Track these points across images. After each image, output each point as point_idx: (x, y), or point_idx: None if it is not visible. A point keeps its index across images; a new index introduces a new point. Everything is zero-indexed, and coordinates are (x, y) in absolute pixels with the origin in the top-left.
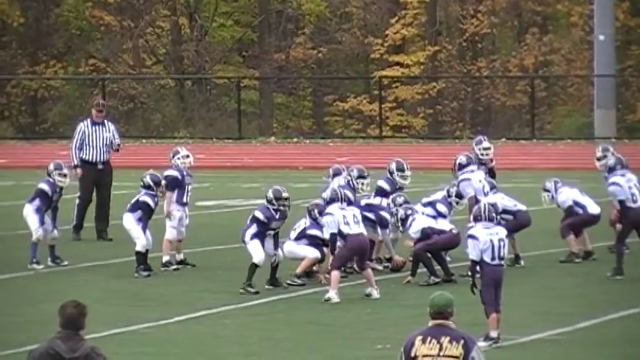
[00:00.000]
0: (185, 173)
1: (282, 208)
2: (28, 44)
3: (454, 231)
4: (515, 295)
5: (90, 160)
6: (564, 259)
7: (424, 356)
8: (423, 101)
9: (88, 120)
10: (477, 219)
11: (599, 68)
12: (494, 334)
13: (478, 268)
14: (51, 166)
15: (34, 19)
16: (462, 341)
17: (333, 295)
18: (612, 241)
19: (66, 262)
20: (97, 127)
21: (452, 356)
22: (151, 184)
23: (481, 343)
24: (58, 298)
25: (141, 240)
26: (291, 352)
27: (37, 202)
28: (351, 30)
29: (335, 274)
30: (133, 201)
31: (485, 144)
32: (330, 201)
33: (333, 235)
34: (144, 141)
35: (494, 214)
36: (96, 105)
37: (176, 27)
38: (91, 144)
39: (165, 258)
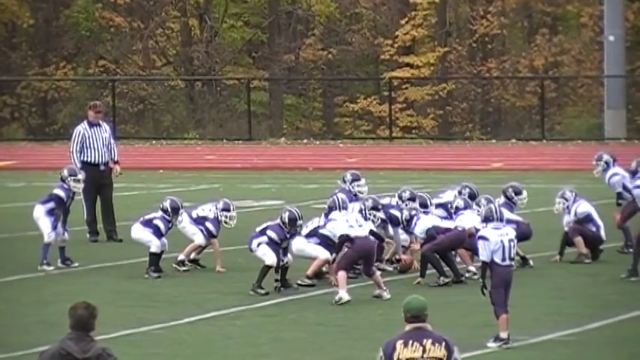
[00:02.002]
0: None
1: (294, 231)
2: (38, 45)
3: (459, 228)
4: (526, 296)
5: (92, 161)
6: (574, 260)
7: (407, 359)
8: (433, 102)
9: (85, 122)
10: (487, 219)
11: (609, 69)
12: (504, 334)
13: (488, 269)
14: (65, 172)
15: (44, 20)
16: (444, 343)
17: (343, 294)
18: (621, 243)
19: (76, 264)
20: (95, 129)
21: (436, 357)
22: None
23: (491, 344)
24: (68, 300)
25: (155, 242)
26: (302, 353)
27: (50, 205)
28: (361, 31)
29: (342, 274)
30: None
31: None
32: (330, 209)
33: (342, 236)
34: (154, 142)
35: (504, 215)
36: (93, 106)
37: (186, 28)
38: (91, 146)
39: (181, 257)
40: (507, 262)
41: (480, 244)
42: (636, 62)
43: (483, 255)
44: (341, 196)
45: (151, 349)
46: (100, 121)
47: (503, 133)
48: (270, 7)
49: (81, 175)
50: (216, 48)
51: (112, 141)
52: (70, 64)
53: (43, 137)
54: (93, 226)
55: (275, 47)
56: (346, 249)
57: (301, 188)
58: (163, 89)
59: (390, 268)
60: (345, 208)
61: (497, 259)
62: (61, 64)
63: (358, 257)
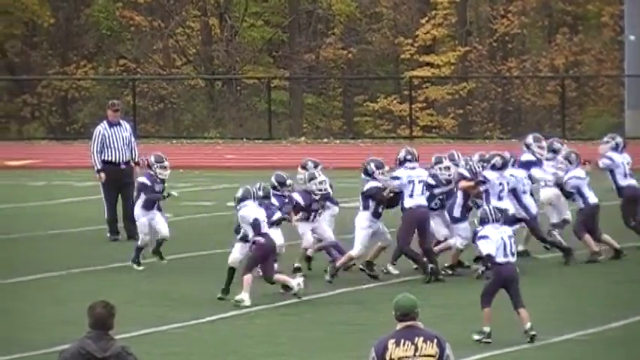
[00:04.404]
0: None
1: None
2: (59, 45)
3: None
4: (542, 296)
5: (112, 160)
6: (589, 259)
7: (400, 358)
8: (454, 101)
9: (105, 122)
10: (484, 221)
11: (629, 68)
12: (486, 328)
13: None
14: (152, 159)
15: (65, 19)
16: (436, 340)
17: (245, 297)
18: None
19: (166, 261)
20: (114, 128)
21: (428, 355)
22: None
23: (475, 337)
24: (87, 299)
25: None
26: (322, 352)
27: (141, 197)
28: (381, 30)
29: (248, 277)
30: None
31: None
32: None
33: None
34: (174, 141)
35: (500, 216)
36: (111, 105)
37: (206, 27)
38: (111, 145)
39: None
40: (509, 259)
41: (481, 242)
42: None
43: (487, 249)
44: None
45: (170, 348)
46: (121, 120)
47: (524, 133)
48: (291, 6)
49: (167, 162)
50: (236, 47)
51: (133, 140)
52: (90, 63)
53: (64, 136)
54: (113, 225)
55: (295, 46)
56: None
57: None
58: (183, 88)
59: (396, 272)
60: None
61: (499, 257)
62: (82, 63)
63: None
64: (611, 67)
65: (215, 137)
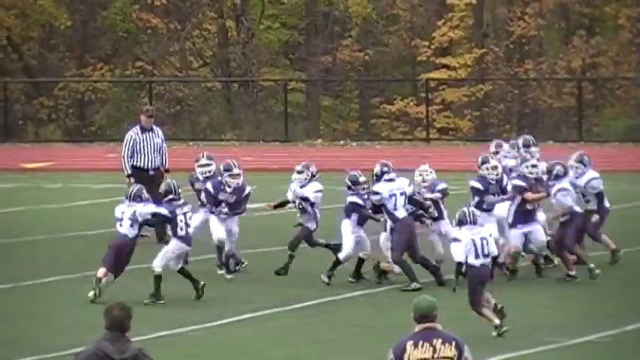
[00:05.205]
0: None
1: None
2: (76, 47)
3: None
4: (560, 298)
5: (142, 166)
6: (612, 260)
7: None
8: (470, 103)
9: (137, 127)
10: (461, 223)
11: None
12: (496, 322)
13: (464, 269)
14: (221, 167)
15: (82, 22)
16: (454, 342)
17: None
18: None
19: (245, 263)
20: (147, 134)
21: (446, 357)
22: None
23: (493, 333)
24: (104, 301)
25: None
26: (338, 354)
27: (205, 204)
28: (398, 32)
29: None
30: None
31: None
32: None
33: None
34: (190, 143)
35: (477, 218)
36: (145, 111)
37: (223, 30)
38: (142, 151)
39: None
40: (482, 260)
41: (453, 246)
42: None
43: (457, 256)
44: None
45: (186, 350)
46: (153, 126)
47: (541, 135)
48: (307, 8)
49: (237, 170)
50: (252, 49)
51: (164, 146)
52: (107, 66)
53: (80, 138)
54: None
55: (312, 49)
56: None
57: (337, 190)
58: (200, 91)
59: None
60: None
61: (471, 259)
62: (98, 66)
63: None
64: (628, 69)
65: (231, 139)
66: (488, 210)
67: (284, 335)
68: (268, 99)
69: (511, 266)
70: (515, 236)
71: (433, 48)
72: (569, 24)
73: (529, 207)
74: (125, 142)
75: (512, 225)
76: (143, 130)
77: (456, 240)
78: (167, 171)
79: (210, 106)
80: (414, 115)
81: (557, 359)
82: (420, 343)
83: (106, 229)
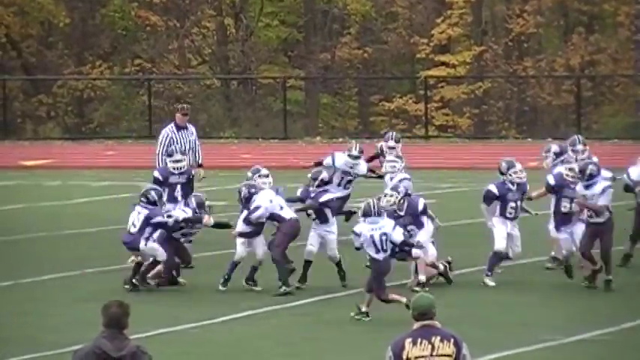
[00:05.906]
0: None
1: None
2: (74, 44)
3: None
4: (558, 296)
5: None
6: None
7: (417, 358)
8: (469, 101)
9: (172, 125)
10: (366, 214)
11: None
12: (364, 309)
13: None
14: (249, 174)
15: (80, 19)
16: (453, 339)
17: None
18: None
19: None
20: (182, 132)
21: (445, 355)
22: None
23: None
24: (103, 299)
25: None
26: (336, 352)
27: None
28: (397, 30)
29: None
30: None
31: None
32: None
33: None
34: None
35: (382, 210)
36: (181, 109)
37: (222, 27)
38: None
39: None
40: (381, 255)
41: (353, 239)
42: None
43: (356, 244)
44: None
45: (185, 348)
46: (187, 124)
47: (539, 132)
48: (306, 6)
49: (266, 170)
50: (251, 47)
51: (198, 143)
52: (106, 63)
53: (79, 136)
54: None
55: (311, 46)
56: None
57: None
58: (199, 88)
59: None
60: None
61: (372, 253)
62: (97, 63)
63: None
64: (626, 66)
65: (230, 137)
66: (512, 218)
67: (283, 333)
68: (267, 96)
69: (584, 273)
70: (564, 239)
71: (432, 45)
72: (568, 21)
73: (563, 209)
74: (160, 140)
75: (557, 229)
76: (179, 128)
77: (354, 233)
78: (200, 165)
79: (210, 103)
80: (412, 112)
81: (554, 357)
82: (419, 340)
83: (105, 226)
